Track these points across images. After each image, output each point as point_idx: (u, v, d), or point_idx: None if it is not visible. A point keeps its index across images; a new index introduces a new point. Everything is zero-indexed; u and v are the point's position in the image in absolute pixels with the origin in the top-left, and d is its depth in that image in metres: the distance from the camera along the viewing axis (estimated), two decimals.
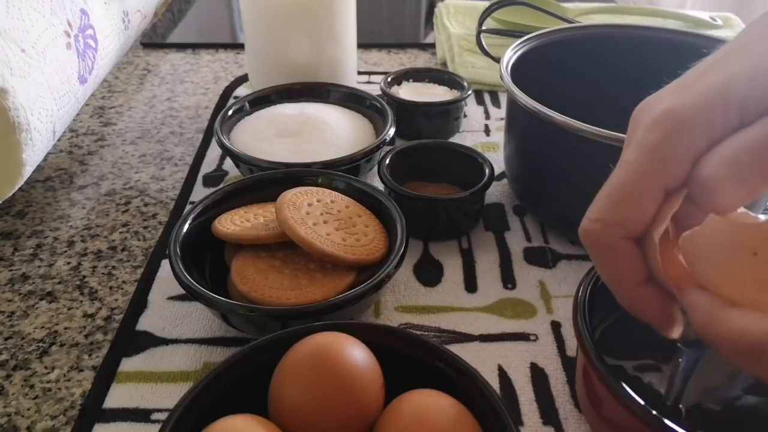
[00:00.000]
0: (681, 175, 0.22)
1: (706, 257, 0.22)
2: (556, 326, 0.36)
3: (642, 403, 0.24)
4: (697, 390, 0.30)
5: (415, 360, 0.26)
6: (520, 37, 0.47)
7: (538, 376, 0.33)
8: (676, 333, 0.24)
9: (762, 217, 0.22)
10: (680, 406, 0.29)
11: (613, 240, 0.23)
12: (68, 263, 0.41)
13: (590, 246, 0.24)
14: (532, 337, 0.36)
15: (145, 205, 0.47)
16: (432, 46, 0.76)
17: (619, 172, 0.23)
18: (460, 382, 0.25)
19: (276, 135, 0.48)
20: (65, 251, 0.43)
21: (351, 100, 0.53)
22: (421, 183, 0.46)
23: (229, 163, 0.52)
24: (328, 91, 0.54)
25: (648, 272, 0.23)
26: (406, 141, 0.50)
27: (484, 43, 0.57)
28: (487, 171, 0.43)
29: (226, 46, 0.76)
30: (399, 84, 0.57)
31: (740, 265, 0.21)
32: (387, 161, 0.44)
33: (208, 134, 0.56)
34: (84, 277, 0.40)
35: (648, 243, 0.23)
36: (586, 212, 0.24)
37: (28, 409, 0.32)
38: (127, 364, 0.34)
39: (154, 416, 0.31)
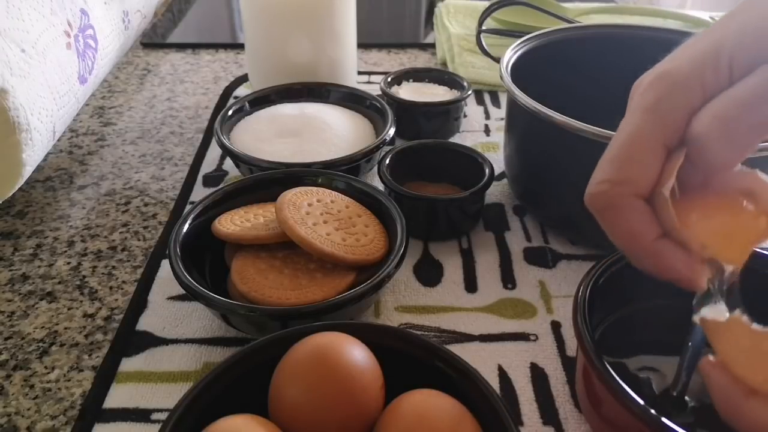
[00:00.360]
0: (679, 132, 0.23)
1: (732, 351, 0.22)
2: (556, 326, 0.36)
3: (642, 403, 0.24)
4: (698, 391, 0.30)
5: (415, 360, 0.26)
6: (520, 37, 0.47)
7: (538, 376, 0.33)
8: (701, 284, 0.23)
9: None
10: (686, 397, 0.29)
11: (622, 199, 0.23)
12: (68, 263, 0.41)
13: (599, 209, 0.24)
14: (532, 337, 0.36)
15: (145, 205, 0.47)
16: (432, 46, 0.76)
17: (619, 136, 0.24)
18: (460, 382, 0.25)
19: (276, 135, 0.48)
20: (65, 251, 0.43)
21: (351, 100, 0.53)
22: (421, 183, 0.46)
23: (229, 163, 0.52)
24: (328, 91, 0.54)
25: (661, 229, 0.23)
26: (406, 141, 0.50)
27: (484, 43, 0.57)
28: (487, 171, 0.43)
29: (226, 46, 0.76)
30: (399, 84, 0.57)
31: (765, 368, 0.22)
32: (387, 161, 0.44)
33: (208, 134, 0.56)
34: (84, 277, 0.40)
35: (658, 199, 0.23)
36: (591, 179, 0.24)
37: (28, 409, 0.32)
38: (127, 364, 0.34)
39: (154, 416, 0.31)
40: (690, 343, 0.27)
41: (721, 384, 0.22)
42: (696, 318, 0.24)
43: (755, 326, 0.22)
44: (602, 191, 0.24)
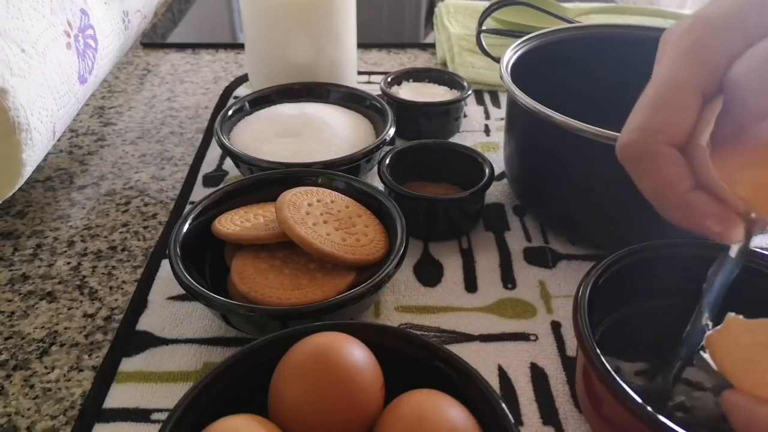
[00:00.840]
0: (717, 77, 0.21)
1: (733, 359, 0.23)
2: (556, 326, 0.36)
3: (642, 403, 0.24)
4: (700, 393, 0.30)
5: (415, 360, 0.26)
6: (520, 37, 0.47)
7: (538, 376, 0.33)
8: (734, 237, 0.23)
9: None
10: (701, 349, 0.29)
11: (655, 146, 0.22)
12: (68, 263, 0.41)
13: (630, 158, 0.23)
14: (532, 337, 0.36)
15: (145, 205, 0.47)
16: (432, 46, 0.76)
17: (653, 83, 0.23)
18: (460, 382, 0.25)
19: (276, 135, 0.48)
20: (65, 251, 0.43)
21: (351, 100, 0.53)
22: (421, 183, 0.46)
23: (229, 163, 0.52)
24: (328, 91, 0.54)
25: (694, 180, 0.22)
26: (406, 141, 0.50)
27: (484, 43, 0.57)
28: (487, 171, 0.43)
29: (226, 46, 0.76)
30: (399, 84, 0.57)
31: (765, 363, 0.22)
32: (387, 161, 0.44)
33: (208, 134, 0.56)
34: (84, 277, 0.40)
35: (695, 149, 0.22)
36: (623, 129, 0.23)
37: (28, 409, 0.32)
38: (127, 364, 0.34)
39: (154, 416, 0.31)
40: (719, 270, 0.26)
41: (740, 401, 0.22)
42: (702, 313, 0.24)
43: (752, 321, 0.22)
44: (634, 139, 0.22)
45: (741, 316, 0.23)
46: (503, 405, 0.24)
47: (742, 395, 0.22)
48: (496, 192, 0.48)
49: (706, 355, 0.24)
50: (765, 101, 0.20)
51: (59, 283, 0.40)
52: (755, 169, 0.22)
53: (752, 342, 0.22)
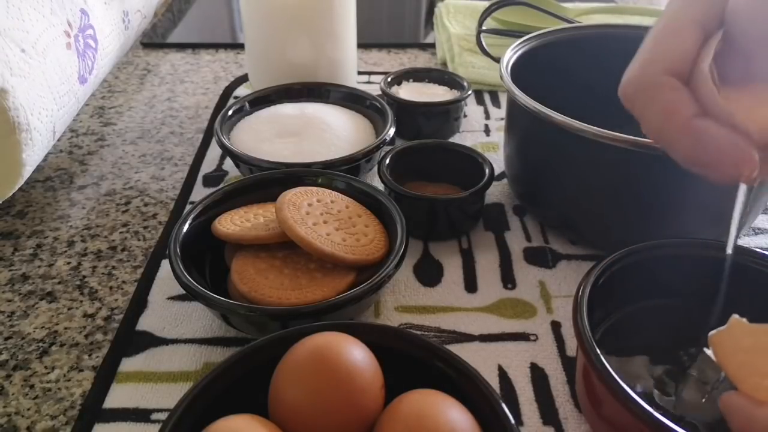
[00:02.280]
0: (716, 10, 0.21)
1: (735, 360, 0.23)
2: (556, 326, 0.36)
3: (642, 403, 0.24)
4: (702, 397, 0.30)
5: (415, 360, 0.26)
6: (520, 37, 0.47)
7: (538, 376, 0.33)
8: (750, 166, 0.20)
9: None
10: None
11: (655, 77, 0.21)
12: (68, 263, 0.41)
13: (631, 94, 0.22)
14: (532, 337, 0.36)
15: (145, 205, 0.47)
16: (432, 46, 0.76)
17: (655, 24, 0.22)
18: (460, 382, 0.25)
19: (276, 135, 0.48)
20: (65, 251, 0.43)
21: (351, 100, 0.53)
22: (421, 183, 0.46)
23: (229, 163, 0.52)
24: (328, 91, 0.54)
25: (699, 107, 0.21)
26: (406, 141, 0.50)
27: (484, 43, 0.57)
28: (487, 171, 0.43)
29: (226, 46, 0.76)
30: (399, 84, 0.57)
31: (765, 368, 0.22)
32: (387, 161, 0.44)
33: (208, 134, 0.56)
34: (84, 277, 0.40)
35: (698, 77, 0.21)
36: (625, 72, 0.22)
37: (28, 409, 0.32)
38: (127, 364, 0.34)
39: (154, 416, 0.31)
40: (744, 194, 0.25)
41: (738, 402, 0.22)
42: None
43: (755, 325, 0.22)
44: (635, 74, 0.22)
45: (745, 320, 0.23)
46: (503, 405, 0.24)
47: (741, 396, 0.22)
48: (496, 192, 0.48)
49: (709, 352, 0.24)
50: (763, 27, 0.20)
51: (59, 283, 0.40)
52: (766, 107, 0.21)
53: (754, 345, 0.23)
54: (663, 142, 0.22)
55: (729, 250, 0.27)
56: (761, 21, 0.20)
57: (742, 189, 0.25)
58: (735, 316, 0.23)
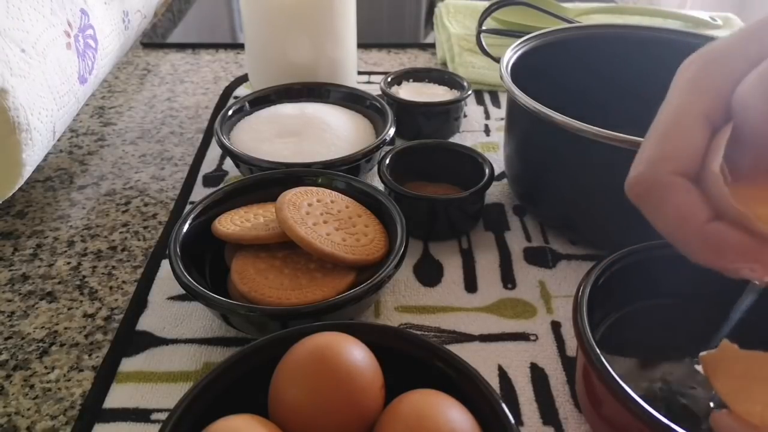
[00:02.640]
0: (722, 103, 0.21)
1: (726, 383, 0.23)
2: (556, 326, 0.36)
3: (642, 403, 0.24)
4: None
5: (415, 360, 0.26)
6: (520, 37, 0.47)
7: (538, 376, 0.33)
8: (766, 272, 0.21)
9: None
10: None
11: (665, 177, 0.21)
12: (68, 263, 0.41)
13: (641, 194, 0.22)
14: (532, 337, 0.36)
15: (145, 205, 0.47)
16: (432, 46, 0.76)
17: (659, 117, 0.22)
18: (460, 382, 0.25)
19: (276, 135, 0.48)
20: (65, 251, 0.43)
21: (351, 100, 0.53)
22: (421, 183, 0.46)
23: (229, 163, 0.52)
24: (328, 91, 0.54)
25: (712, 211, 0.21)
26: (406, 141, 0.50)
27: (484, 43, 0.57)
28: (487, 171, 0.43)
29: (226, 46, 0.76)
30: (399, 84, 0.57)
31: (759, 395, 0.22)
32: (387, 161, 0.44)
33: (208, 134, 0.56)
34: (84, 277, 0.40)
35: (708, 176, 0.21)
36: (631, 168, 0.22)
37: (28, 409, 0.32)
38: (127, 364, 0.34)
39: (154, 416, 0.31)
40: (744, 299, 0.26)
41: (730, 427, 0.22)
42: (701, 355, 0.24)
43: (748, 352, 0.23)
44: (642, 172, 0.21)
45: (735, 345, 0.23)
46: (503, 405, 0.24)
47: (733, 418, 0.22)
48: (496, 192, 0.48)
49: (699, 368, 0.24)
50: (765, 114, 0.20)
51: (59, 283, 0.40)
52: None
53: (745, 372, 0.23)
54: (677, 243, 0.22)
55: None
56: None
57: (752, 288, 0.25)
58: (725, 341, 0.23)
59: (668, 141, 0.21)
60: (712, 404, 0.28)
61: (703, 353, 0.24)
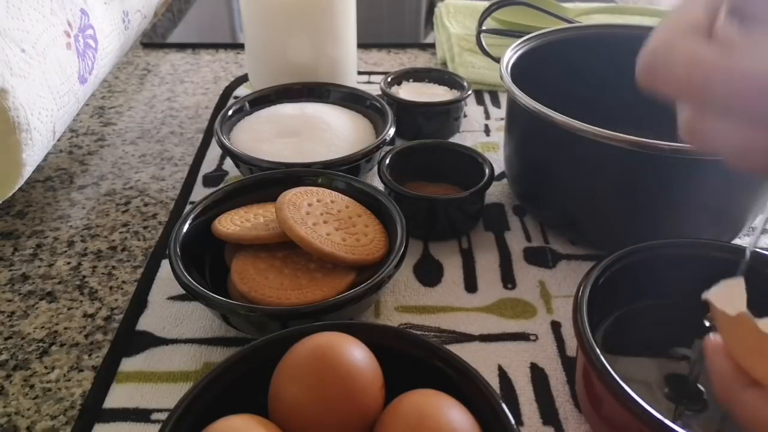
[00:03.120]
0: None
1: (736, 344, 0.22)
2: (556, 326, 0.36)
3: (642, 403, 0.24)
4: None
5: (415, 360, 0.26)
6: (520, 37, 0.47)
7: (538, 376, 0.33)
8: None
9: None
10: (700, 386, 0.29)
11: (676, 37, 0.20)
12: (68, 263, 0.41)
13: (651, 62, 0.21)
14: (532, 337, 0.36)
15: (145, 205, 0.47)
16: (432, 46, 0.76)
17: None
18: (460, 382, 0.25)
19: (276, 135, 0.48)
20: (65, 251, 0.43)
21: (351, 100, 0.53)
22: (421, 183, 0.46)
23: (229, 163, 0.52)
24: (328, 91, 0.54)
25: (719, 50, 0.19)
26: (406, 141, 0.50)
27: (484, 43, 0.57)
28: (487, 171, 0.43)
29: (226, 46, 0.76)
30: (399, 84, 0.57)
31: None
32: (387, 161, 0.44)
33: (208, 134, 0.56)
34: (84, 277, 0.40)
35: (717, 25, 0.20)
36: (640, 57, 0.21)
37: (28, 409, 0.32)
38: (127, 364, 0.34)
39: (154, 416, 0.31)
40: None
41: (723, 369, 0.22)
42: (705, 295, 0.23)
43: (763, 322, 0.21)
44: (652, 44, 0.21)
45: (752, 317, 0.22)
46: (503, 405, 0.24)
47: (730, 360, 0.22)
48: (496, 192, 0.48)
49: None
50: None
51: (59, 283, 0.40)
52: None
53: (757, 346, 0.22)
54: (694, 90, 0.20)
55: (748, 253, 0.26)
56: None
57: None
58: (744, 311, 0.22)
59: (675, 15, 0.21)
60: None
61: (714, 297, 0.22)
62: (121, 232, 0.44)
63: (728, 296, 0.23)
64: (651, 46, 0.21)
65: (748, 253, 0.23)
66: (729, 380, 0.22)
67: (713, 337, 0.23)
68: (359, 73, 0.66)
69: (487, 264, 0.41)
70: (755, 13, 0.20)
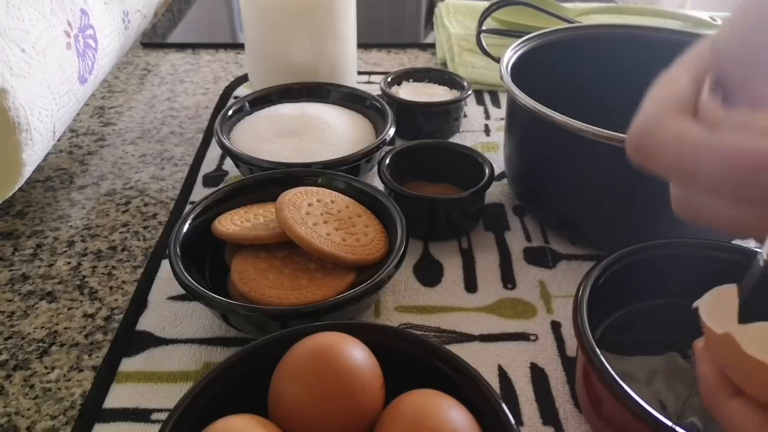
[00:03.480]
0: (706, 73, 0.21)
1: (721, 359, 0.22)
2: (556, 326, 0.36)
3: (642, 403, 0.24)
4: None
5: (415, 360, 0.26)
6: (520, 37, 0.47)
7: (538, 376, 0.33)
8: None
9: None
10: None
11: (662, 114, 0.21)
12: (68, 263, 0.41)
13: (639, 138, 0.21)
14: (532, 337, 0.36)
15: (145, 205, 0.47)
16: (432, 46, 0.76)
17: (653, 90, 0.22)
18: (460, 382, 0.25)
19: (276, 135, 0.48)
20: (65, 251, 0.43)
21: (351, 100, 0.53)
22: (421, 183, 0.46)
23: (229, 163, 0.52)
24: (328, 91, 0.54)
25: (707, 129, 0.20)
26: (406, 141, 0.50)
27: (484, 43, 0.57)
28: (487, 171, 0.43)
29: (226, 46, 0.76)
30: (399, 84, 0.57)
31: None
32: (387, 161, 0.44)
33: (208, 134, 0.56)
34: (84, 277, 0.40)
35: (701, 103, 0.21)
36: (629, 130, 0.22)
37: (28, 409, 0.32)
38: (127, 364, 0.34)
39: (154, 416, 0.31)
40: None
41: (709, 376, 0.22)
42: (695, 304, 0.23)
43: (754, 329, 0.21)
44: (640, 121, 0.21)
45: (738, 336, 0.21)
46: (503, 405, 0.24)
47: (717, 369, 0.22)
48: (496, 192, 0.48)
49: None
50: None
51: (59, 283, 0.40)
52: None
53: (739, 365, 0.21)
54: (682, 170, 0.20)
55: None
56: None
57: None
58: (728, 329, 0.21)
59: (658, 91, 0.22)
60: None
61: (702, 307, 0.22)
62: (121, 232, 0.44)
63: (719, 306, 0.22)
64: (639, 124, 0.21)
65: (761, 261, 0.22)
66: (714, 389, 0.21)
67: (702, 343, 0.23)
68: (359, 73, 0.66)
69: (487, 264, 0.41)
70: (736, 88, 0.20)
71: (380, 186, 0.43)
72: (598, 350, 0.27)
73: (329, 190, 0.39)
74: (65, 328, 0.37)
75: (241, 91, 0.64)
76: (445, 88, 0.57)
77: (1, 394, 0.33)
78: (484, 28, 0.57)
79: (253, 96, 0.53)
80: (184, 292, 0.34)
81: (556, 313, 0.37)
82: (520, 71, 0.43)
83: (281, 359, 0.25)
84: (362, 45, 0.71)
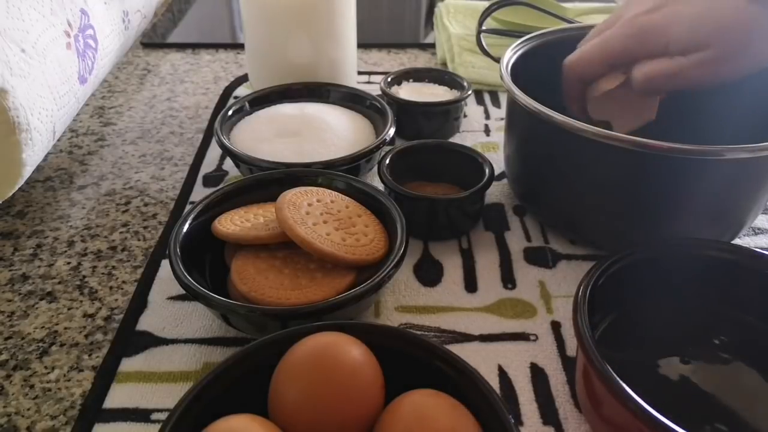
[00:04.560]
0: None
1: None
2: (556, 326, 0.36)
3: (642, 403, 0.24)
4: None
5: (415, 360, 0.26)
6: (520, 37, 0.47)
7: (538, 376, 0.33)
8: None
9: None
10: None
11: (572, 73, 0.42)
12: (68, 263, 0.41)
13: (565, 72, 0.42)
14: (532, 337, 0.36)
15: (145, 205, 0.47)
16: (432, 46, 0.76)
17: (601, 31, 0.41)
18: (460, 382, 0.25)
19: (276, 135, 0.48)
20: (65, 251, 0.43)
21: (351, 100, 0.53)
22: (421, 183, 0.46)
23: (229, 163, 0.52)
24: (328, 91, 0.54)
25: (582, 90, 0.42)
26: (406, 141, 0.50)
27: (484, 43, 0.57)
28: (487, 171, 0.43)
29: (226, 46, 0.76)
30: (399, 84, 0.57)
31: None
32: (387, 161, 0.44)
33: (208, 134, 0.56)
34: (84, 277, 0.40)
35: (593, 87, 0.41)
36: (575, 52, 0.41)
37: (28, 409, 0.32)
38: (127, 364, 0.34)
39: (154, 416, 0.31)
40: None
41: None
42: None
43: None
44: (571, 61, 0.41)
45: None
46: (503, 405, 0.24)
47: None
48: (496, 192, 0.48)
49: None
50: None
51: (59, 283, 0.40)
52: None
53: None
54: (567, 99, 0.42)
55: None
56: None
57: None
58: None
59: (587, 57, 0.40)
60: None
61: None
62: (121, 232, 0.44)
63: None
64: (570, 61, 0.42)
65: None
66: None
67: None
68: (359, 73, 0.66)
69: (487, 264, 0.41)
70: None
71: (380, 186, 0.43)
72: (598, 350, 0.27)
73: (329, 190, 0.39)
74: (65, 328, 0.37)
75: (241, 91, 0.64)
76: (445, 88, 0.57)
77: (1, 394, 0.33)
78: (484, 28, 0.57)
79: (253, 96, 0.53)
80: (184, 292, 0.34)
81: (556, 313, 0.37)
82: (520, 71, 0.43)
83: (281, 359, 0.25)
84: (362, 45, 0.71)
